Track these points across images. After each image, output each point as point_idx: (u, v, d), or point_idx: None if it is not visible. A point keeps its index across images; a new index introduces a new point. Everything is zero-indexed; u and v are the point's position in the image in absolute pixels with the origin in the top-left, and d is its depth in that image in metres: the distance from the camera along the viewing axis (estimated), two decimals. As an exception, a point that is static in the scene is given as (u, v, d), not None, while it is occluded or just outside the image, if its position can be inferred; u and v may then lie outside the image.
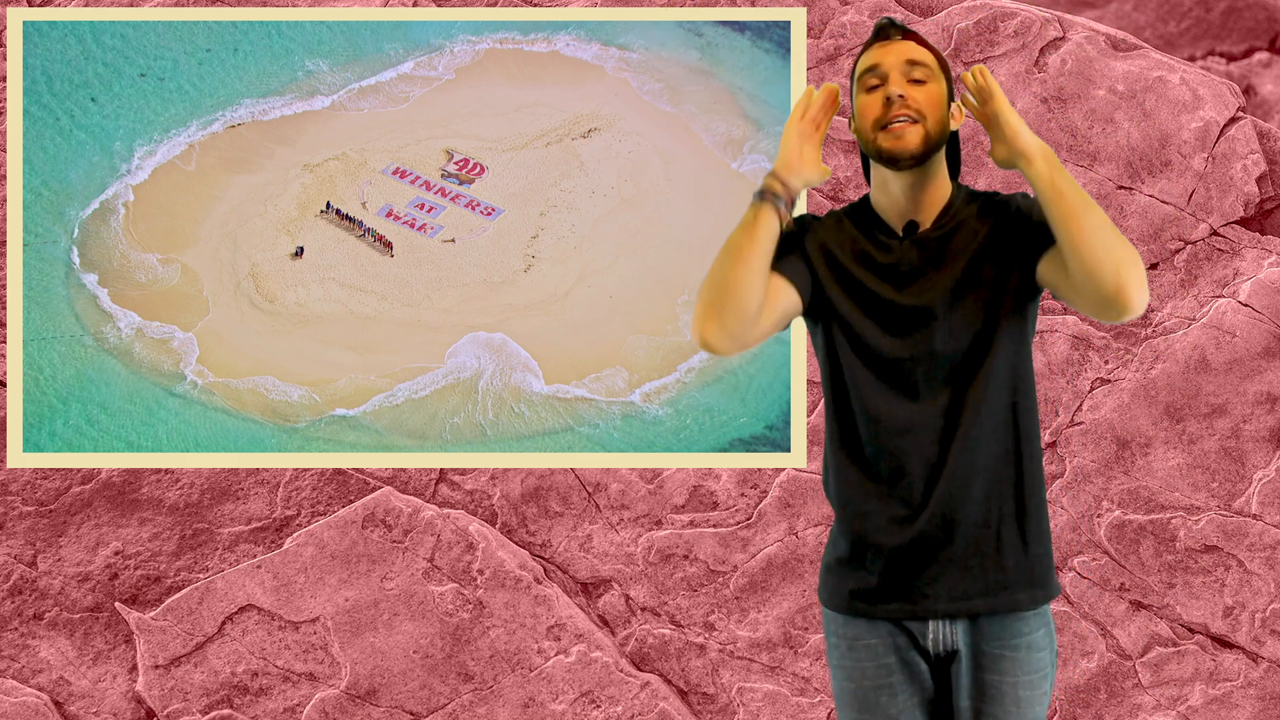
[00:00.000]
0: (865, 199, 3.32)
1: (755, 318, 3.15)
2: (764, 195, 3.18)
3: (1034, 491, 3.27)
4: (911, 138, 3.18)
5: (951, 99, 3.25)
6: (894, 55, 3.21)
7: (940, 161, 3.24)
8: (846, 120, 4.93)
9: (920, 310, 3.20)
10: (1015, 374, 3.23)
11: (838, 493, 3.28)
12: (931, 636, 3.27)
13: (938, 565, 3.22)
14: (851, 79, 3.28)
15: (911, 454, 3.20)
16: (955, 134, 3.29)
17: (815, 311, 3.27)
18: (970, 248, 3.21)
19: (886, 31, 3.25)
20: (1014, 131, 3.12)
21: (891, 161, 3.19)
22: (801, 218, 3.30)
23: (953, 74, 3.34)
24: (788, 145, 3.20)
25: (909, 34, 3.26)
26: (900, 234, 3.24)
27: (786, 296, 3.22)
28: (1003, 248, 3.21)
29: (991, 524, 3.22)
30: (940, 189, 3.25)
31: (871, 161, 3.26)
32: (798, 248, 3.26)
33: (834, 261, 3.25)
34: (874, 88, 3.22)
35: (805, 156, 3.20)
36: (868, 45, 3.27)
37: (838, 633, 3.31)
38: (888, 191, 3.25)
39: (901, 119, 3.17)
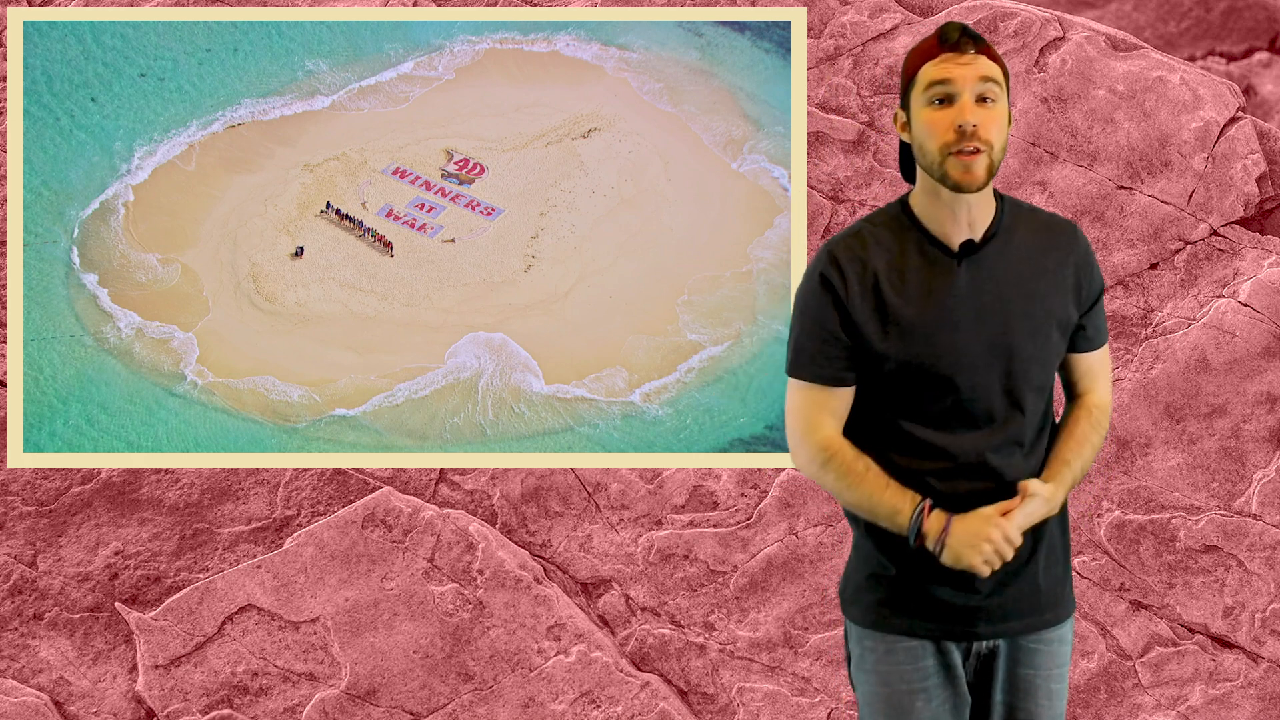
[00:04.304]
0: (903, 205, 3.22)
1: None
2: (916, 527, 3.15)
3: (1064, 517, 3.28)
4: (980, 171, 3.08)
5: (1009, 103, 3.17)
6: (968, 72, 3.08)
7: None
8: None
9: (977, 347, 3.14)
10: (1051, 405, 3.23)
11: (873, 527, 3.24)
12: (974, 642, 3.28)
13: (978, 595, 3.21)
14: (910, 80, 3.15)
15: (956, 492, 3.18)
16: None
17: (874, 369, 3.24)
18: (1026, 276, 3.16)
19: (960, 44, 3.10)
20: (1023, 523, 3.15)
21: (956, 189, 3.10)
22: (834, 271, 3.17)
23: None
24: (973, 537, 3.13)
25: (981, 47, 3.11)
26: (955, 249, 3.16)
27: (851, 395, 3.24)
28: (1065, 301, 3.18)
29: (1024, 553, 3.20)
30: (990, 196, 3.19)
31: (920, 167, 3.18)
32: (841, 345, 3.18)
33: (882, 309, 3.16)
34: (942, 101, 3.09)
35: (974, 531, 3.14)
36: (934, 51, 3.12)
37: (870, 641, 3.26)
38: (939, 201, 3.15)
39: (972, 149, 3.07)
